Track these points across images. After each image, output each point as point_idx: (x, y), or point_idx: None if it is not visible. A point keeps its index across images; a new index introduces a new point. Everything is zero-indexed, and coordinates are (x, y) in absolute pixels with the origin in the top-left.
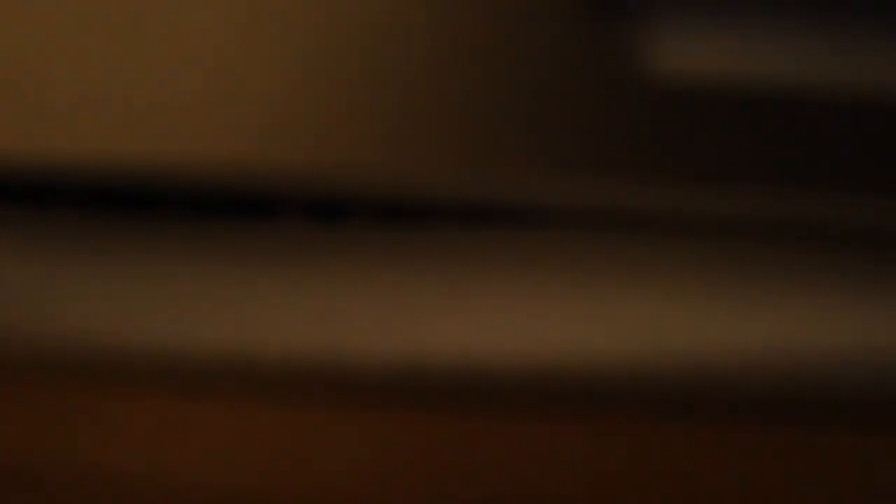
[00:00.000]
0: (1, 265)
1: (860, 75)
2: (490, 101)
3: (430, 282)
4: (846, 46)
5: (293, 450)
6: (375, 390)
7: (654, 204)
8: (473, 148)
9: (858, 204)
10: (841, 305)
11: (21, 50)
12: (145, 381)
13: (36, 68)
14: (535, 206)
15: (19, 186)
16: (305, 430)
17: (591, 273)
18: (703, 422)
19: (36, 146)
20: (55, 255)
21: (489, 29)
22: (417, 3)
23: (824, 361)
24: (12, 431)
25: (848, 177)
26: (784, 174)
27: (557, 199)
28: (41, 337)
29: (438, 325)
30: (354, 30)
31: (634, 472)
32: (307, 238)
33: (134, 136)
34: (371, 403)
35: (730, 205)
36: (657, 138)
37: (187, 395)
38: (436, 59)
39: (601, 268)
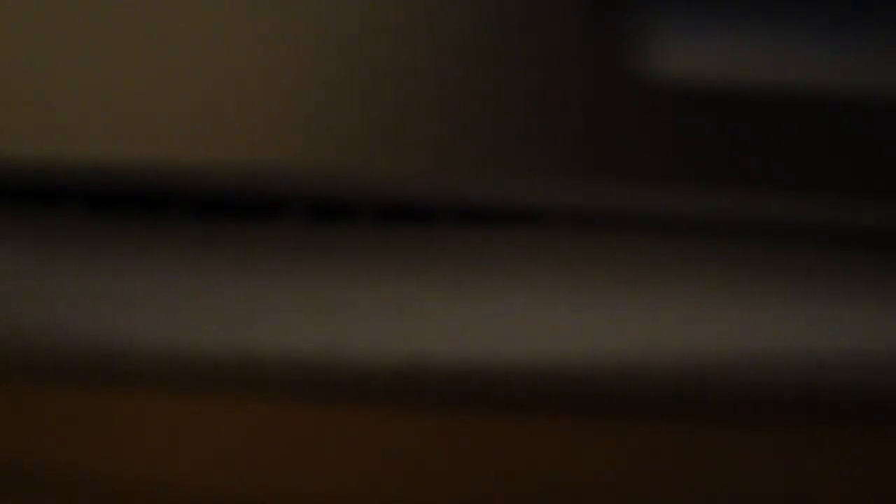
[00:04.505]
0: (1, 265)
1: (860, 75)
2: (490, 101)
3: (430, 282)
4: (846, 46)
5: (291, 449)
6: (375, 390)
7: (654, 204)
8: (473, 148)
9: (858, 204)
10: (841, 305)
11: (22, 51)
12: (144, 381)
13: (37, 69)
14: (535, 206)
15: (19, 186)
16: (305, 430)
17: (590, 273)
18: (703, 422)
19: (37, 147)
20: (55, 255)
21: (489, 30)
22: (417, 5)
23: (824, 361)
24: (12, 431)
25: (848, 177)
26: (783, 174)
27: (557, 200)
28: (41, 337)
29: (438, 324)
30: (355, 30)
31: (634, 471)
32: (307, 238)
33: (134, 136)
34: (371, 403)
35: (729, 205)
36: (656, 139)
37: (186, 395)
38: (435, 59)
39: (600, 268)
